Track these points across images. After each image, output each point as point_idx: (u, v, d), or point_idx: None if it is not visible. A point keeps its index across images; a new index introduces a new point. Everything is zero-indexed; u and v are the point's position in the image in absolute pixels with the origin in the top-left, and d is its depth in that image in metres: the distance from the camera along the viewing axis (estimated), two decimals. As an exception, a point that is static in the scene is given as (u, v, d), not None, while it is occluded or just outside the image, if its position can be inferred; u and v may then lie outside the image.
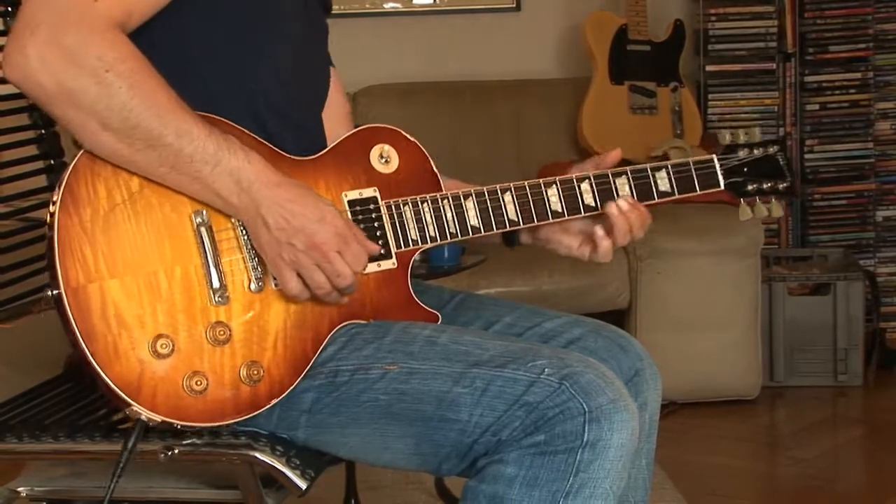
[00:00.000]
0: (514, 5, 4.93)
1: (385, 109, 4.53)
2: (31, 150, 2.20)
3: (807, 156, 4.72)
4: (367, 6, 4.83)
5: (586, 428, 1.60)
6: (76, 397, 1.98)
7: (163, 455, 1.69)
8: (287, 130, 1.83)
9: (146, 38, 1.69)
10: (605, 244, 1.91)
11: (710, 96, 4.69)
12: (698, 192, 1.97)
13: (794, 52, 4.72)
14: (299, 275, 1.69)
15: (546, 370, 1.64)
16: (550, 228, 1.96)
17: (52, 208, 1.64)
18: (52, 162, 2.19)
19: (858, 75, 4.71)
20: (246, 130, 1.74)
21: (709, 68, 4.69)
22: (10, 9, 2.12)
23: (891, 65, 4.74)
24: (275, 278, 1.71)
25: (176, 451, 1.69)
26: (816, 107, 4.70)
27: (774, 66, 4.70)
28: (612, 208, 1.89)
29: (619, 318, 4.09)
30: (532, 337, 1.91)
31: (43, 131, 2.17)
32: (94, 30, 1.59)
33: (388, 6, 4.91)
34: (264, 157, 1.69)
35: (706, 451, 3.71)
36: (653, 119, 4.50)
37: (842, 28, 4.70)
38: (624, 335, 1.94)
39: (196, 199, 1.68)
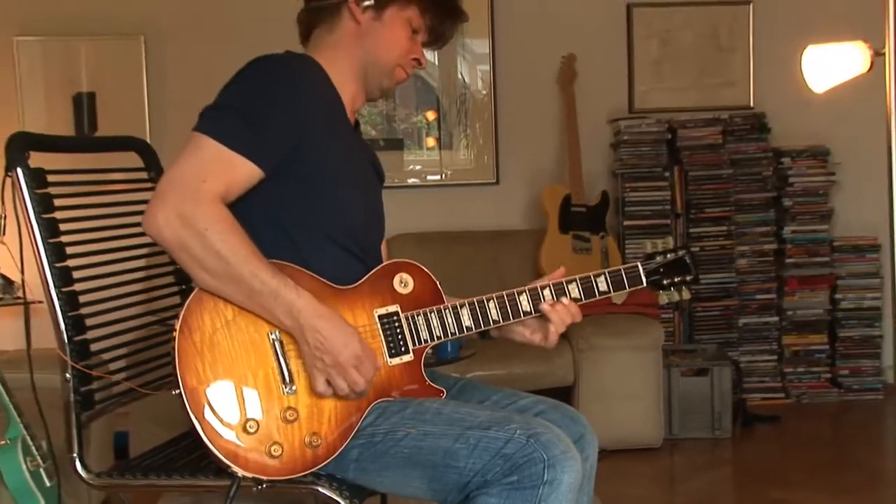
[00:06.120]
0: (494, 180, 4.97)
1: (408, 250, 4.52)
2: (170, 279, 2.21)
3: (691, 282, 4.71)
4: (395, 181, 4.87)
5: (546, 471, 1.59)
6: (198, 447, 1.96)
7: (255, 489, 1.67)
8: (354, 262, 1.81)
9: (247, 205, 1.70)
10: (552, 334, 1.86)
11: (626, 242, 4.71)
12: (627, 290, 1.89)
13: (682, 212, 4.75)
14: (327, 379, 1.67)
15: (518, 431, 1.63)
16: (511, 325, 1.91)
17: (174, 334, 1.63)
18: (183, 287, 2.20)
19: (724, 228, 4.74)
20: (306, 271, 1.71)
21: (626, 223, 4.71)
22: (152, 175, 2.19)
23: (747, 221, 4.77)
24: None
25: (264, 485, 1.67)
26: (697, 249, 4.71)
27: (669, 221, 4.73)
28: (543, 306, 1.85)
29: (567, 391, 4.05)
30: (511, 409, 1.88)
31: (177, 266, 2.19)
32: (202, 203, 1.60)
33: (410, 181, 4.95)
34: (315, 289, 1.67)
35: (627, 485, 3.64)
36: (588, 258, 4.51)
37: (712, 197, 4.74)
38: (573, 410, 1.91)
39: (266, 320, 1.66)
